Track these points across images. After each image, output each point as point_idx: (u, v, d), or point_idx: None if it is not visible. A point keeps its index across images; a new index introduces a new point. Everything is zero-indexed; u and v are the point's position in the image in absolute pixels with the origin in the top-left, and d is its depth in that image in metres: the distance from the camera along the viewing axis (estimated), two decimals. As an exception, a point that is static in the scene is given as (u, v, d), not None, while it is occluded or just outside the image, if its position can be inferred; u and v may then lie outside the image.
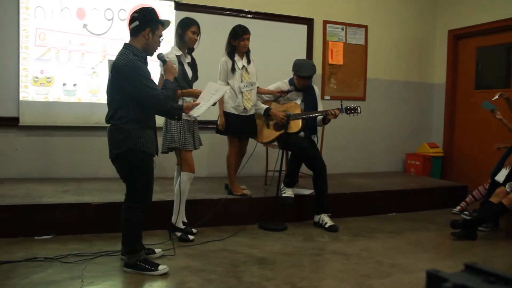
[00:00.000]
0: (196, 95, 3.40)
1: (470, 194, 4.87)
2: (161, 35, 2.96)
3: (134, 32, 2.89)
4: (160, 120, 3.29)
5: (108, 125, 2.90)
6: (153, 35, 2.88)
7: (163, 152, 3.58)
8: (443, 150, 6.42)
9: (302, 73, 4.27)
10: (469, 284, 0.78)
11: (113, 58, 2.89)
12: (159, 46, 2.99)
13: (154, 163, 3.01)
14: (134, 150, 2.83)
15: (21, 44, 4.60)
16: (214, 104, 3.39)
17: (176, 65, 3.53)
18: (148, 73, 2.84)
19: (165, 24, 2.99)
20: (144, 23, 2.85)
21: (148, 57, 2.98)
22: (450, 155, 6.45)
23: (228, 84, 4.12)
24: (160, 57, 3.07)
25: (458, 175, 6.23)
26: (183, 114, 3.16)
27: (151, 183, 2.98)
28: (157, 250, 3.24)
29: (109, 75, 2.88)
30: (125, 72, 2.75)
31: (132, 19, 2.89)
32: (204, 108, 3.20)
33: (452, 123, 6.49)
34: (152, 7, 3.04)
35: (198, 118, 3.56)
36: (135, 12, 2.92)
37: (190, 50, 3.77)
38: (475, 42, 6.14)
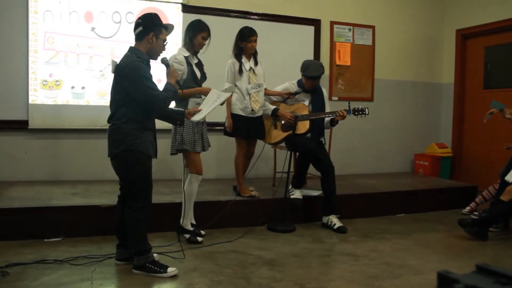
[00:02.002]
0: (204, 93, 3.49)
1: (479, 194, 4.82)
2: (165, 39, 3.01)
3: (138, 37, 2.97)
4: (165, 123, 3.29)
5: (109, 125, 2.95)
6: (157, 39, 2.95)
7: (172, 154, 3.60)
8: (452, 150, 6.38)
9: (309, 73, 4.28)
10: (481, 285, 0.78)
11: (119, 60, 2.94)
12: (163, 49, 3.05)
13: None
14: (131, 151, 2.87)
15: (30, 48, 4.65)
16: (222, 104, 3.44)
17: (184, 66, 3.57)
18: (150, 75, 2.89)
19: (168, 28, 3.06)
20: (148, 28, 2.93)
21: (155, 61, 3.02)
22: (459, 155, 6.40)
23: (235, 85, 4.13)
24: (163, 61, 3.12)
25: (467, 175, 6.18)
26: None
27: (150, 183, 3.00)
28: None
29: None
30: (127, 73, 2.81)
31: (136, 25, 2.97)
32: (204, 113, 3.24)
33: (460, 123, 6.45)
34: (155, 13, 3.09)
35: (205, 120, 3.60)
36: (139, 18, 3.00)
37: (195, 52, 3.80)
38: (484, 41, 6.10)
